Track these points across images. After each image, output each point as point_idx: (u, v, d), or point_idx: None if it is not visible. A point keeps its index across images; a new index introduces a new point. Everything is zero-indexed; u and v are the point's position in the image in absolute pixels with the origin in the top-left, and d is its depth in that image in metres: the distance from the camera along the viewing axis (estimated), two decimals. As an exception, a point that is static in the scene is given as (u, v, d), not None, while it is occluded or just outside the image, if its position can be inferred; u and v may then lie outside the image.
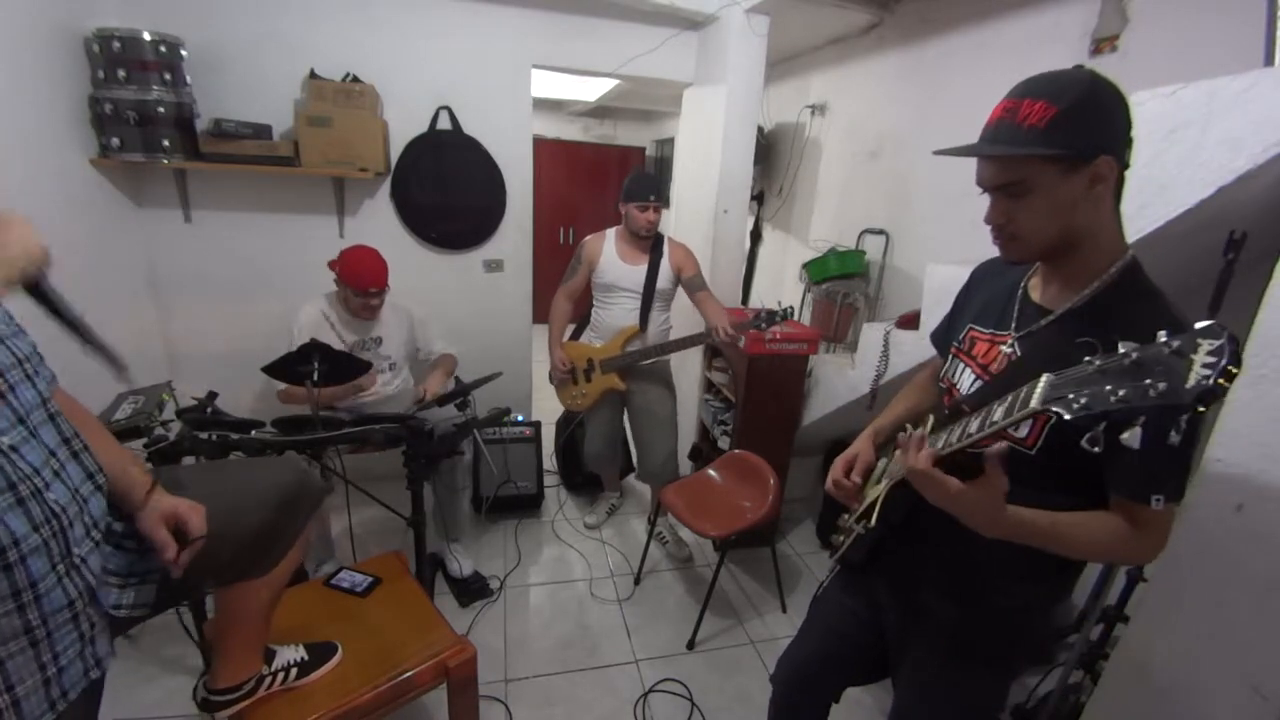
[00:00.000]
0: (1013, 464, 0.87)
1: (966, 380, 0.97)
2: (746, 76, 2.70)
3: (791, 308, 2.24)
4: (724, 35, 2.70)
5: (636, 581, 2.46)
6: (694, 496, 2.28)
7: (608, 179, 6.12)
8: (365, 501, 1.96)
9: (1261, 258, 1.14)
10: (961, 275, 1.13)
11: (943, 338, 1.12)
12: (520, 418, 2.86)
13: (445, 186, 2.78)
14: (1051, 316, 0.87)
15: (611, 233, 2.41)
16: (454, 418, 2.09)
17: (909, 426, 1.09)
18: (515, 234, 3.00)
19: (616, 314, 2.40)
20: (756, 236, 3.87)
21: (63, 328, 0.88)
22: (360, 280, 2.13)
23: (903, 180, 2.73)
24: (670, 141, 5.64)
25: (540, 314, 2.69)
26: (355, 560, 2.01)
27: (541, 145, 4.76)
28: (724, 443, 2.73)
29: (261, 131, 2.36)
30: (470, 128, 2.76)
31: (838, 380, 2.44)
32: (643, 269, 2.34)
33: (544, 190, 4.12)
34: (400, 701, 1.37)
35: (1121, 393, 0.57)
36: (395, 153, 2.68)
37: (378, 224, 2.76)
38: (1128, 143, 0.78)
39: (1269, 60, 1.36)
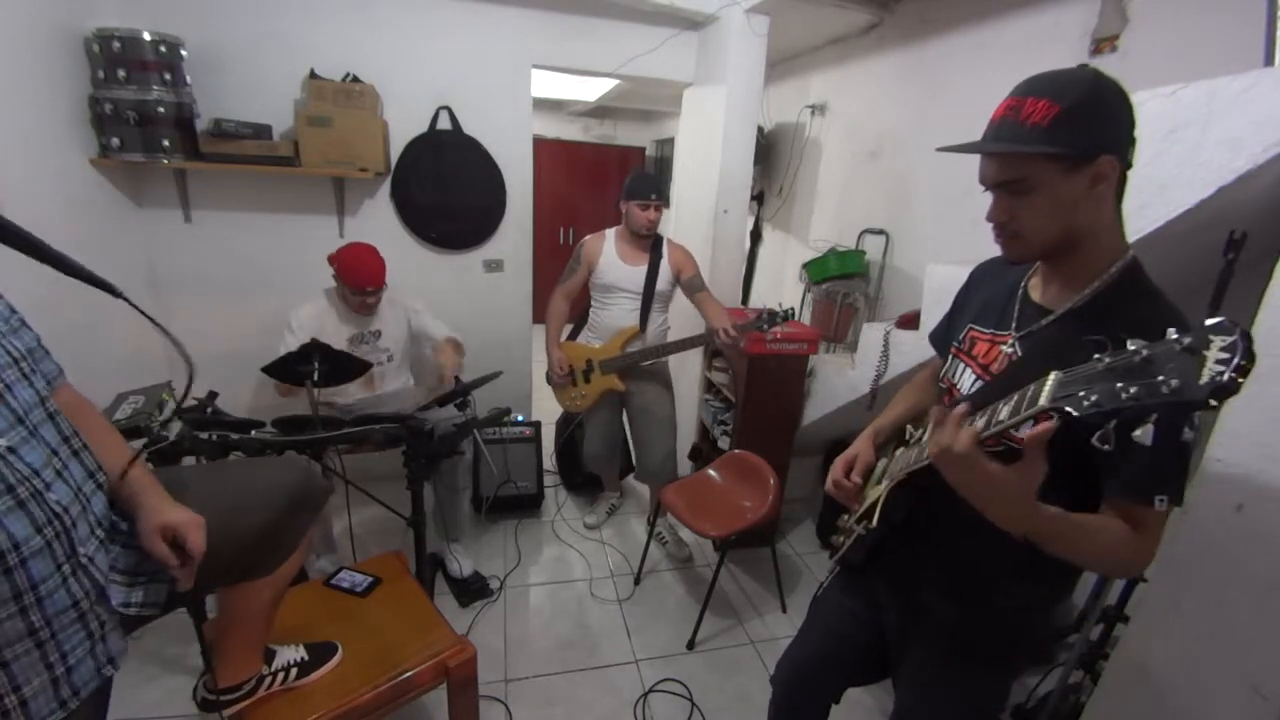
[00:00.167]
0: (1008, 462, 0.87)
1: (967, 380, 0.97)
2: (746, 76, 2.70)
3: (793, 309, 2.25)
4: (724, 35, 2.70)
5: (636, 581, 2.46)
6: (694, 496, 2.28)
7: (608, 179, 6.12)
8: (365, 501, 1.96)
9: (1261, 258, 1.14)
10: (961, 275, 1.13)
11: (942, 338, 1.12)
12: (520, 418, 2.87)
13: (445, 186, 2.78)
14: (1052, 316, 0.87)
15: (611, 233, 2.41)
16: (454, 418, 2.09)
17: (911, 429, 1.09)
18: (515, 234, 3.00)
19: (616, 315, 2.40)
20: (756, 236, 3.87)
21: (42, 263, 0.82)
22: (357, 278, 2.13)
23: (903, 180, 2.73)
24: (670, 141, 5.64)
25: (540, 314, 2.69)
26: (355, 560, 2.01)
27: (541, 145, 4.76)
28: (724, 443, 2.73)
29: (261, 131, 2.36)
30: (470, 128, 2.76)
31: (838, 380, 2.44)
32: (643, 270, 2.34)
33: (544, 190, 4.12)
34: (400, 701, 1.37)
35: (1133, 390, 0.57)
36: (395, 153, 2.68)
37: (378, 224, 2.76)
38: (1130, 142, 0.78)
39: (1269, 60, 1.36)
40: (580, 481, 3.08)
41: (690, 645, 2.12)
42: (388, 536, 2.51)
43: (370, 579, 1.65)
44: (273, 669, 1.27)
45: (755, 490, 2.24)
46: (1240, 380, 0.51)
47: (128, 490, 0.90)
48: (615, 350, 2.40)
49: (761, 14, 2.60)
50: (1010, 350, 0.91)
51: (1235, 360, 0.51)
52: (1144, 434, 0.60)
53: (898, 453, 1.08)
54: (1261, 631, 1.09)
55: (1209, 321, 0.54)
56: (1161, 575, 1.26)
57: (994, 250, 0.92)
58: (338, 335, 2.21)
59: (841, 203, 3.20)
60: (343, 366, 1.87)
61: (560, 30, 2.76)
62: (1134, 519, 0.77)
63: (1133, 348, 0.58)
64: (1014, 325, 0.92)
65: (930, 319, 1.94)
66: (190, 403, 1.74)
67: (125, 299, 0.86)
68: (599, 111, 6.10)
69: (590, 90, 4.92)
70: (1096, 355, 0.61)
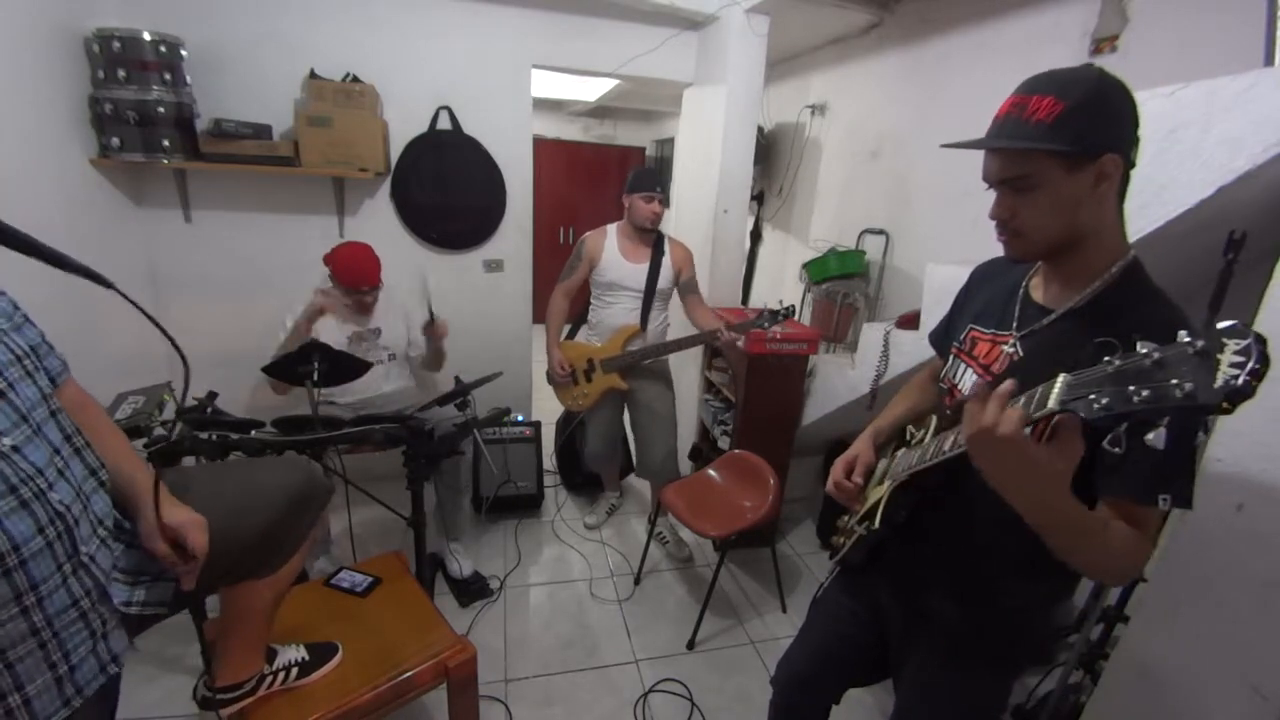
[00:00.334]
0: None
1: (968, 381, 0.97)
2: (746, 76, 2.70)
3: (793, 306, 2.25)
4: (724, 35, 2.70)
5: (636, 581, 2.46)
6: (694, 496, 2.28)
7: (608, 179, 6.12)
8: (365, 501, 1.96)
9: (1261, 258, 1.14)
10: (961, 275, 1.13)
11: (942, 339, 1.12)
12: (520, 418, 2.86)
13: (445, 186, 2.78)
14: (1053, 316, 0.87)
15: (612, 229, 2.40)
16: (454, 418, 2.09)
17: (911, 429, 1.09)
18: (515, 234, 3.00)
19: (617, 313, 2.40)
20: (756, 236, 3.87)
21: (30, 256, 0.80)
22: (352, 278, 2.13)
23: (903, 180, 2.73)
24: (670, 141, 5.65)
25: (540, 314, 2.69)
26: (355, 560, 2.01)
27: (541, 145, 4.76)
28: (724, 443, 2.73)
29: (261, 131, 2.36)
30: (470, 128, 2.76)
31: (838, 380, 2.44)
32: (644, 268, 2.34)
33: (544, 190, 4.12)
34: (400, 701, 1.37)
35: (1145, 393, 0.56)
36: (395, 153, 2.68)
37: (378, 224, 2.76)
38: (1134, 142, 0.78)
39: (1269, 60, 1.36)
40: (580, 481, 3.08)
41: (690, 645, 2.12)
42: (388, 536, 2.51)
43: (370, 579, 1.65)
44: (274, 668, 1.27)
45: (755, 490, 2.24)
46: (1255, 384, 0.50)
47: (129, 491, 0.90)
48: (616, 349, 2.39)
49: (761, 14, 2.60)
50: (1011, 350, 0.91)
51: (1250, 364, 0.50)
52: (1156, 438, 0.59)
53: (899, 453, 1.08)
54: (1261, 631, 1.09)
55: (1222, 324, 0.53)
56: (1161, 575, 1.26)
57: (994, 250, 0.92)
58: (339, 334, 2.21)
59: (841, 203, 3.20)
60: (343, 366, 1.87)
61: (560, 30, 2.76)
62: (1134, 519, 0.77)
63: (1144, 350, 0.57)
64: (1015, 325, 0.92)
65: (930, 319, 1.94)
66: (190, 402, 1.74)
67: (116, 289, 0.84)
68: (599, 111, 6.10)
69: (590, 90, 4.92)
70: (1105, 358, 0.60)
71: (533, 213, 3.02)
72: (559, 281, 2.44)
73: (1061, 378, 0.65)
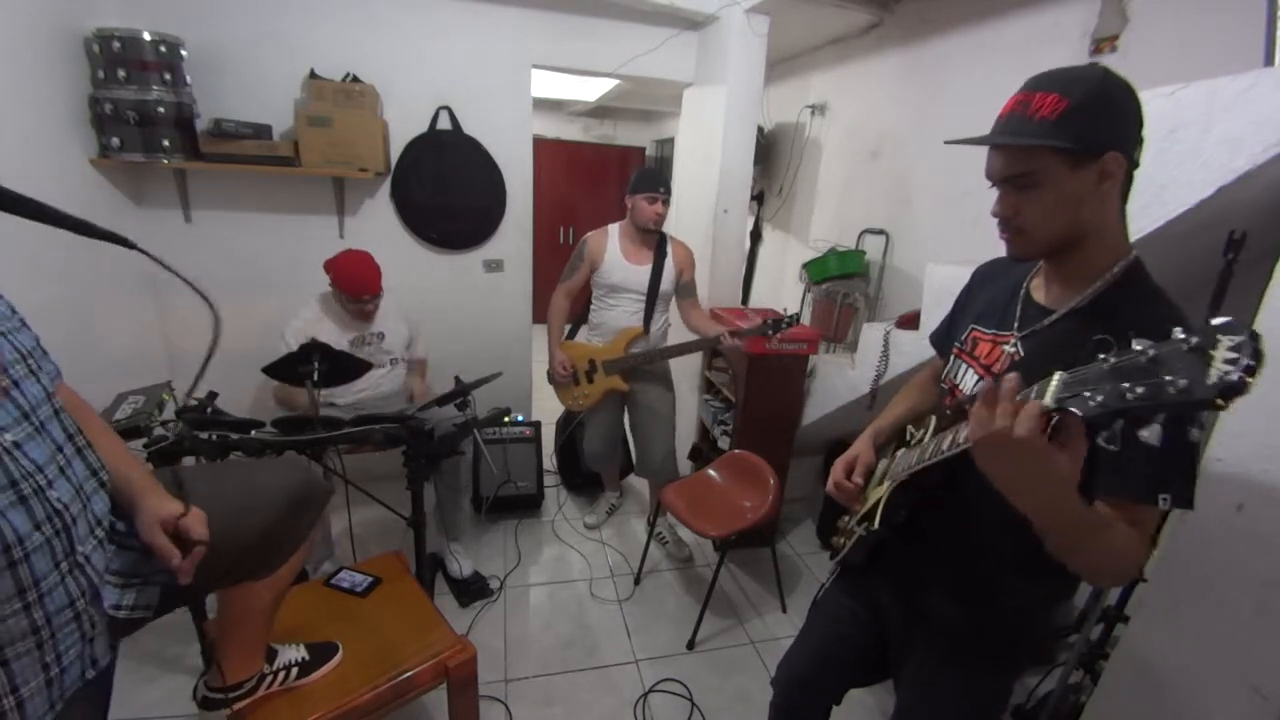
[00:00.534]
0: None
1: (969, 381, 0.97)
2: (746, 76, 2.70)
3: (797, 315, 2.25)
4: (724, 35, 2.70)
5: (636, 581, 2.46)
6: (694, 496, 2.28)
7: (608, 179, 6.12)
8: (365, 501, 1.96)
9: (1261, 258, 1.14)
10: (961, 275, 1.13)
11: (943, 339, 1.12)
12: (520, 418, 2.86)
13: (445, 186, 2.78)
14: (1054, 316, 0.87)
15: (614, 229, 2.40)
16: (454, 418, 2.09)
17: (911, 429, 1.09)
18: (515, 234, 3.00)
19: (619, 315, 2.39)
20: (756, 236, 3.87)
21: (54, 225, 0.80)
22: (353, 287, 2.13)
23: (903, 180, 2.73)
24: (670, 141, 5.65)
25: (540, 314, 2.69)
26: (355, 560, 2.01)
27: (541, 145, 4.76)
28: (724, 443, 2.73)
29: (261, 131, 2.36)
30: (470, 128, 2.76)
31: (838, 380, 2.44)
32: (647, 269, 2.33)
33: (544, 190, 4.12)
34: (400, 701, 1.37)
35: (1140, 390, 0.56)
36: (395, 153, 2.68)
37: (378, 224, 2.76)
38: (1138, 141, 0.78)
39: (1269, 60, 1.36)
40: (580, 481, 3.08)
41: (690, 645, 2.12)
42: (388, 536, 2.51)
43: (370, 579, 1.65)
44: (274, 668, 1.27)
45: (755, 490, 2.24)
46: (1249, 380, 0.50)
47: (128, 488, 0.90)
48: (619, 351, 2.39)
49: (761, 14, 2.60)
50: (1013, 350, 0.91)
51: (1244, 360, 0.50)
52: (1150, 434, 0.60)
53: (899, 453, 1.08)
54: (1261, 631, 1.09)
55: (1216, 321, 0.54)
56: (1161, 575, 1.26)
57: (994, 250, 0.92)
58: (340, 339, 2.21)
59: (841, 203, 3.20)
60: (343, 366, 1.87)
61: (560, 30, 2.76)
62: (1133, 518, 0.77)
63: (1139, 347, 0.57)
64: (1016, 325, 0.92)
65: (930, 319, 1.94)
66: (191, 402, 1.74)
67: (140, 249, 0.88)
68: (599, 111, 6.10)
69: (590, 90, 4.92)
70: (1101, 355, 0.61)
71: (533, 213, 3.02)
72: (560, 282, 2.44)
73: (1058, 375, 0.65)
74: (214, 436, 1.59)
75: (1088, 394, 0.60)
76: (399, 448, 1.83)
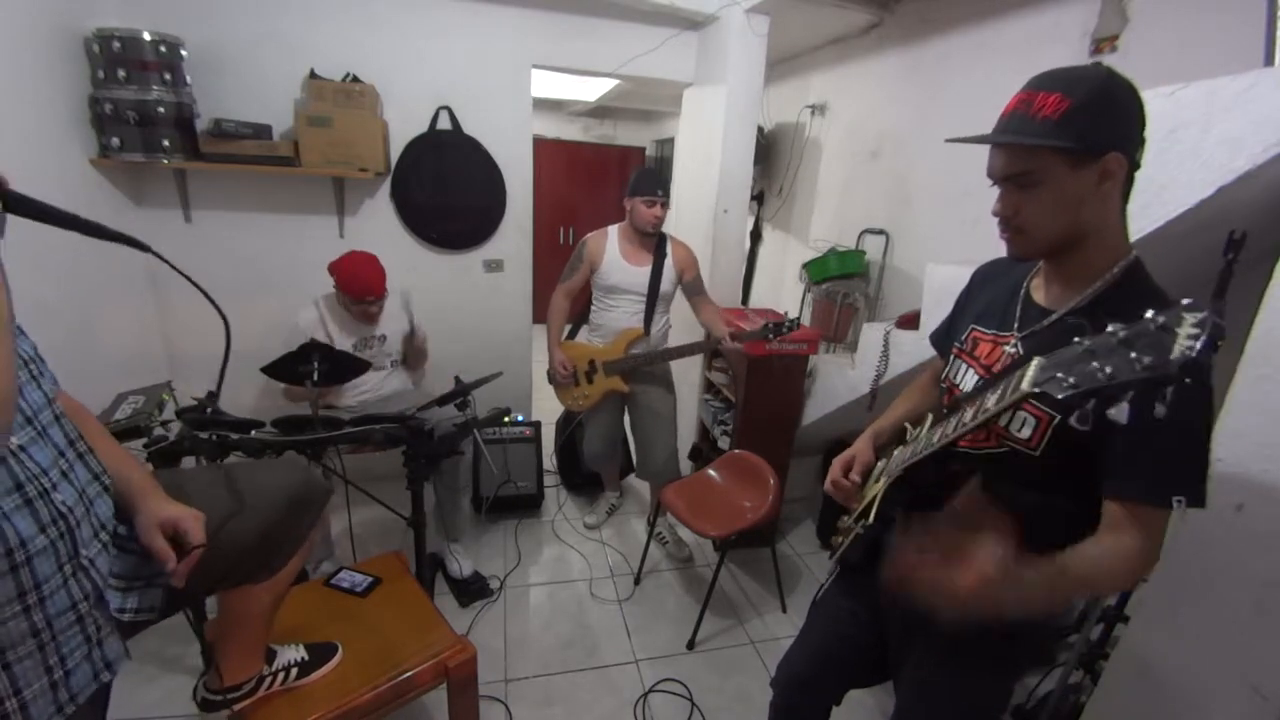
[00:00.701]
0: (1016, 466, 0.87)
1: (969, 381, 0.97)
2: (746, 76, 2.70)
3: (798, 318, 2.25)
4: (724, 35, 2.70)
5: (636, 581, 2.46)
6: (694, 496, 2.28)
7: (608, 179, 6.12)
8: (365, 501, 1.96)
9: (1261, 258, 1.14)
10: (961, 275, 1.13)
11: (943, 339, 1.13)
12: (520, 418, 2.86)
13: (445, 186, 2.78)
14: (1054, 316, 0.87)
15: (614, 231, 2.40)
16: (454, 418, 2.09)
17: (910, 427, 1.09)
18: (515, 234, 3.00)
19: (619, 316, 2.39)
20: (756, 236, 3.87)
21: (67, 229, 0.80)
22: (358, 289, 2.13)
23: (903, 180, 2.73)
24: (670, 141, 5.65)
25: (540, 314, 2.69)
26: (355, 560, 2.01)
27: (541, 145, 4.76)
28: (724, 443, 2.73)
29: (261, 131, 2.36)
30: (470, 128, 2.76)
31: (838, 380, 2.44)
32: (647, 270, 2.33)
33: (544, 190, 4.12)
34: (400, 701, 1.37)
35: (1109, 369, 0.58)
36: (395, 153, 2.68)
37: (378, 224, 2.76)
38: (1140, 142, 0.78)
39: (1269, 60, 1.36)
40: (580, 481, 3.08)
41: (690, 645, 2.12)
42: (388, 536, 2.51)
43: (370, 579, 1.65)
44: (273, 669, 1.27)
45: (755, 490, 2.24)
46: (1209, 356, 0.53)
47: (127, 490, 0.90)
48: (619, 352, 2.39)
49: (761, 14, 2.60)
50: (1013, 350, 0.91)
51: (1204, 335, 0.52)
52: (1119, 412, 0.62)
53: (895, 451, 1.08)
54: (1261, 631, 1.09)
55: (1184, 301, 0.56)
56: (1161, 575, 1.26)
57: (994, 250, 0.92)
58: (343, 341, 2.21)
59: (841, 203, 3.20)
60: (343, 366, 1.87)
61: (560, 30, 2.76)
62: (1143, 520, 0.76)
63: (1111, 329, 0.60)
64: (1016, 325, 0.92)
65: (930, 319, 1.94)
66: (190, 402, 1.74)
67: (153, 252, 0.90)
68: (599, 111, 6.10)
69: (590, 90, 4.92)
70: (1076, 339, 0.63)
71: (533, 213, 3.02)
72: (560, 282, 2.44)
73: (1035, 361, 0.66)
74: (214, 436, 1.59)
75: (1061, 375, 0.62)
76: (399, 448, 1.83)
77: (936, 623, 0.78)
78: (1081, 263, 0.84)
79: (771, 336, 2.19)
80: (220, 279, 2.61)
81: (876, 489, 1.06)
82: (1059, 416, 0.80)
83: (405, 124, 2.67)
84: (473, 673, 1.46)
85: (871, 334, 2.22)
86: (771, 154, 3.77)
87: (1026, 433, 0.85)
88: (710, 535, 2.14)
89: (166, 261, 0.89)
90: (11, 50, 1.78)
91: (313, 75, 2.45)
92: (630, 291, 2.35)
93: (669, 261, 2.35)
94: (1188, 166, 1.21)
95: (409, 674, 1.37)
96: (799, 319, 2.25)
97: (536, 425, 2.88)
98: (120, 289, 2.36)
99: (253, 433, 1.67)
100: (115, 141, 2.13)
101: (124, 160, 2.18)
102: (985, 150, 0.84)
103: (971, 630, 0.98)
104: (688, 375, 3.08)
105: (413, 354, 2.44)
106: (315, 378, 1.78)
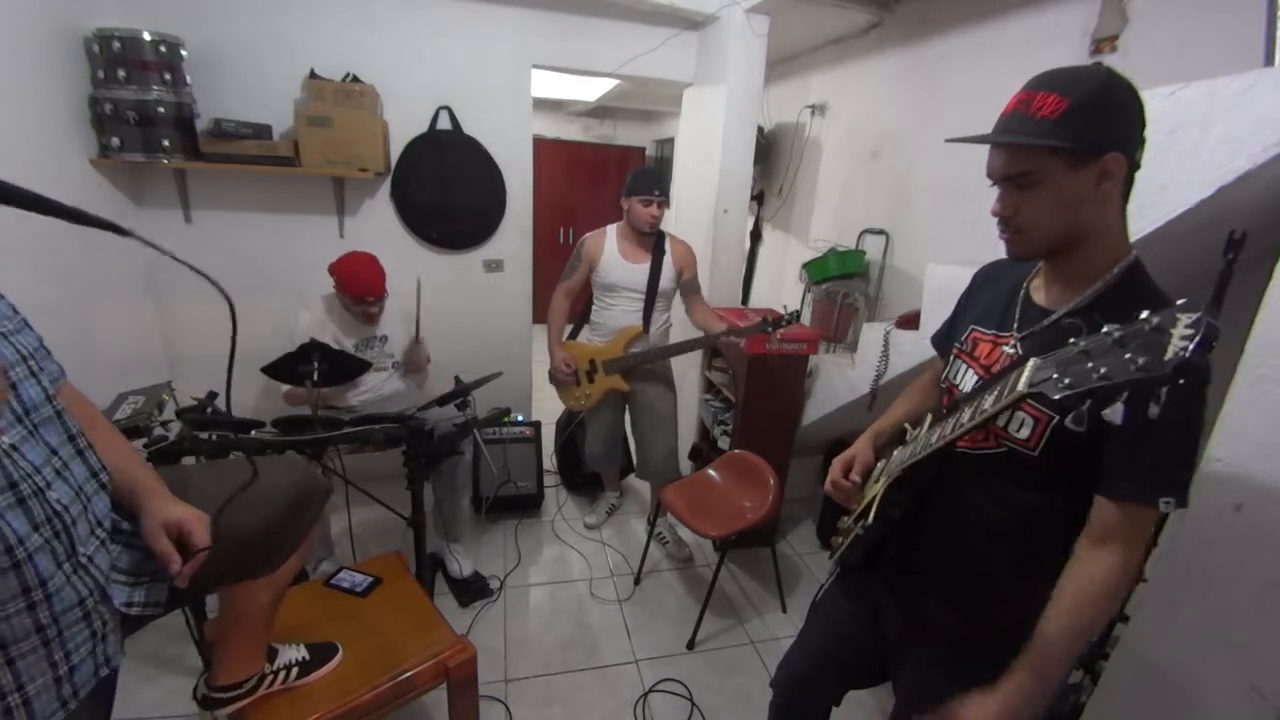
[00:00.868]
0: (1015, 466, 0.87)
1: (969, 381, 0.97)
2: (746, 76, 2.70)
3: (798, 312, 2.25)
4: (724, 35, 2.70)
5: (636, 581, 2.46)
6: (694, 496, 2.28)
7: (608, 179, 6.12)
8: (365, 501, 1.96)
9: (1261, 258, 1.14)
10: (961, 275, 1.13)
11: (944, 340, 1.12)
12: (520, 418, 2.86)
13: (445, 186, 2.78)
14: (1054, 316, 0.87)
15: (612, 230, 2.40)
16: (454, 418, 2.09)
17: (909, 427, 1.09)
18: (515, 234, 3.00)
19: (618, 314, 2.39)
20: (756, 236, 3.87)
21: (46, 214, 0.80)
22: (358, 289, 2.12)
23: (903, 180, 2.73)
24: (670, 141, 5.65)
25: (540, 314, 2.69)
26: (355, 560, 2.01)
27: (541, 145, 4.76)
28: (724, 443, 2.73)
29: (261, 131, 2.36)
30: (470, 128, 2.76)
31: (838, 380, 2.44)
32: (645, 268, 2.33)
33: (544, 190, 4.12)
34: (400, 701, 1.37)
35: (1104, 369, 0.58)
36: (395, 153, 2.68)
37: (378, 224, 2.76)
38: (1140, 142, 0.78)
39: (1269, 60, 1.36)
40: (580, 481, 3.08)
41: (690, 645, 2.12)
42: (388, 536, 2.51)
43: (370, 579, 1.65)
44: (274, 668, 1.27)
45: (755, 490, 2.24)
46: (1202, 356, 0.52)
47: (132, 489, 0.90)
48: (619, 350, 2.39)
49: (761, 14, 2.60)
50: (1013, 351, 0.91)
51: (1198, 336, 0.52)
52: (1113, 412, 0.62)
53: (895, 451, 1.08)
54: (1261, 631, 1.09)
55: (1179, 302, 0.56)
56: (1161, 575, 1.26)
57: (994, 250, 0.92)
58: (343, 342, 2.20)
59: (841, 203, 3.20)
60: (343, 366, 1.88)
61: (560, 30, 2.76)
62: (1133, 519, 0.77)
63: (1106, 330, 0.60)
64: (1015, 326, 0.92)
65: (930, 319, 1.94)
66: (190, 402, 1.75)
67: (135, 236, 0.87)
68: (599, 111, 6.10)
69: (590, 90, 4.92)
70: (1072, 340, 0.63)
71: (533, 213, 3.02)
72: (560, 281, 2.44)
73: (1031, 361, 0.67)
74: (214, 436, 1.59)
75: (1056, 376, 0.63)
76: (399, 448, 1.83)
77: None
78: (1081, 263, 0.84)
79: (771, 330, 2.19)
80: (220, 279, 2.59)
81: (876, 489, 1.06)
82: (1057, 417, 0.81)
83: (405, 124, 2.67)
84: (473, 673, 1.46)
85: (871, 334, 2.22)
86: (771, 154, 3.77)
87: (1025, 433, 0.85)
88: (710, 535, 2.14)
89: (150, 244, 0.87)
90: (11, 50, 1.78)
91: (313, 75, 2.45)
92: (629, 289, 2.35)
93: (668, 259, 2.35)
94: (1188, 166, 1.21)
95: (409, 674, 1.37)
96: (798, 312, 2.25)
97: (536, 425, 2.88)
98: (120, 289, 2.36)
99: (253, 433, 1.67)
100: (115, 141, 2.13)
101: (124, 160, 2.18)
102: (985, 150, 0.84)
103: (971, 632, 0.98)
104: (688, 375, 3.08)
105: (412, 365, 2.44)
106: (315, 378, 1.78)
